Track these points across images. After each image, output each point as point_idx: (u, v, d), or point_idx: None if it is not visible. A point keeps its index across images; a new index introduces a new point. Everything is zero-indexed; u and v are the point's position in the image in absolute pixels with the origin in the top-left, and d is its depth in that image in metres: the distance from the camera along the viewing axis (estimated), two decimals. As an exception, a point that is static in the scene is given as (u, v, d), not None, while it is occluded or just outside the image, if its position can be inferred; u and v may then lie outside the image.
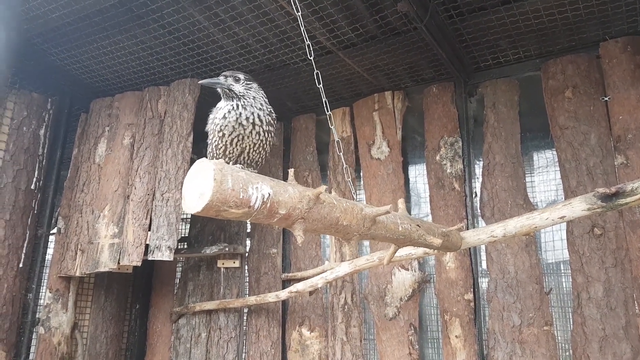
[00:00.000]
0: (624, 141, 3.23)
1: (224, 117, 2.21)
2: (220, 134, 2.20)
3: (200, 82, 2.35)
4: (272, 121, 2.33)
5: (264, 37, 3.51)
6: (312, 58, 2.28)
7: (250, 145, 2.24)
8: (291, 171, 1.66)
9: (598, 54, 3.46)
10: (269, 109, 2.33)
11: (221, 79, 2.30)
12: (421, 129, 4.06)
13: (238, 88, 2.27)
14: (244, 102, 2.24)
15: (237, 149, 2.22)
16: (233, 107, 2.22)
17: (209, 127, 2.30)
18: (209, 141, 2.31)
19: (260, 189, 1.38)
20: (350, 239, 1.76)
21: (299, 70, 3.94)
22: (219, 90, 2.30)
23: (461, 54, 3.62)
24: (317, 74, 2.34)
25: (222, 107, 2.25)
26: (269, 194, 1.41)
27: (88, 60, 3.92)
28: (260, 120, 2.24)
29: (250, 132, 2.21)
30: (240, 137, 2.20)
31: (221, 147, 2.22)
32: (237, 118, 2.20)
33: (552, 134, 3.53)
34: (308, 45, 2.28)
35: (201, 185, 1.28)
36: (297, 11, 2.27)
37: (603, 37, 3.43)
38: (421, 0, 2.92)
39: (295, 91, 4.32)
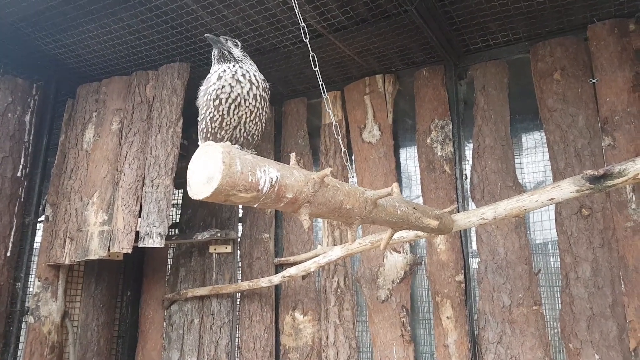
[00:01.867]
0: (611, 123, 3.28)
1: (219, 78, 2.10)
2: (217, 102, 2.08)
3: (205, 35, 2.25)
4: (267, 89, 2.24)
5: (253, 20, 3.47)
6: (307, 41, 2.25)
7: (247, 114, 2.13)
8: (293, 155, 1.63)
9: (586, 37, 3.49)
10: (263, 77, 2.26)
11: (221, 39, 2.22)
12: (412, 112, 4.07)
13: (237, 52, 2.21)
14: (241, 64, 2.16)
15: (234, 119, 2.11)
16: (229, 67, 2.13)
17: (201, 99, 2.18)
18: (200, 118, 2.19)
19: (267, 172, 1.35)
20: (352, 224, 1.74)
21: (290, 53, 3.91)
22: (215, 52, 2.21)
23: (451, 37, 3.62)
24: (312, 56, 2.31)
25: (217, 70, 2.15)
26: (277, 177, 1.37)
27: (74, 44, 3.84)
28: (257, 80, 2.15)
29: (248, 92, 2.10)
30: (238, 100, 2.09)
31: (217, 119, 2.10)
32: (233, 75, 2.09)
33: (541, 116, 3.56)
34: (303, 28, 2.25)
35: (209, 170, 1.24)
36: (291, -8, 2.24)
37: (591, 20, 3.46)
38: (412, -18, 2.91)
39: (286, 75, 4.29)
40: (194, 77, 3.86)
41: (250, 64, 2.24)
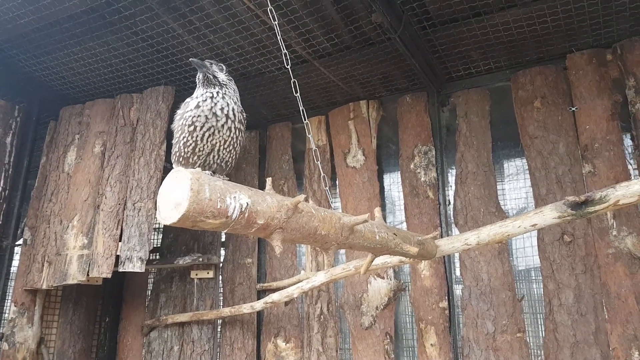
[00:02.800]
0: (591, 150, 3.33)
1: (197, 106, 2.09)
2: (191, 128, 2.07)
3: (190, 59, 2.25)
4: (243, 120, 2.25)
5: (239, 45, 3.50)
6: (289, 67, 2.26)
7: (220, 142, 2.12)
8: (269, 180, 1.63)
9: (565, 66, 3.57)
10: (241, 108, 2.27)
11: (206, 63, 2.22)
12: (395, 138, 4.10)
13: (222, 76, 2.20)
14: (225, 90, 2.16)
15: (207, 146, 2.10)
16: (211, 96, 2.12)
17: (176, 123, 2.16)
18: (174, 141, 2.17)
19: (238, 199, 1.35)
20: (328, 249, 1.74)
21: (275, 78, 3.94)
22: (200, 76, 2.20)
23: (434, 65, 3.68)
24: (294, 82, 2.32)
25: (197, 97, 2.15)
26: (247, 204, 1.37)
27: (58, 67, 3.83)
28: (234, 115, 2.15)
29: (222, 125, 2.10)
30: (212, 130, 2.08)
31: (190, 144, 2.09)
32: (211, 107, 2.08)
33: (522, 143, 3.61)
34: (285, 54, 2.27)
35: (177, 196, 1.24)
36: (274, 20, 2.27)
37: (570, 50, 3.54)
38: (395, 11, 2.96)
39: (271, 99, 4.31)
40: (179, 100, 3.83)
41: (234, 90, 2.24)
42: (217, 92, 2.15)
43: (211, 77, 2.19)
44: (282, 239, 1.51)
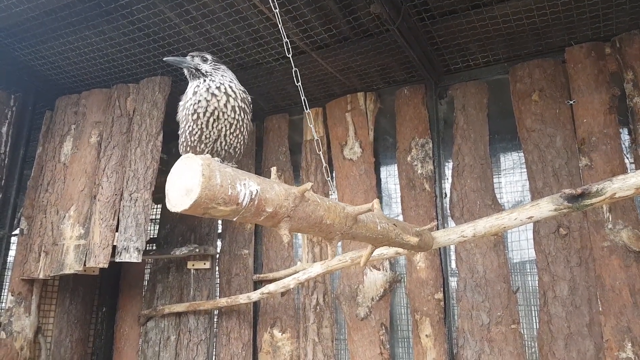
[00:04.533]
0: (588, 144, 3.33)
1: (195, 93, 2.09)
2: (195, 116, 2.05)
3: (165, 58, 2.25)
4: (247, 100, 2.22)
5: (236, 35, 3.48)
6: (290, 56, 2.25)
7: (226, 127, 2.10)
8: (274, 169, 1.62)
9: (564, 59, 3.56)
10: (242, 88, 2.24)
11: (187, 58, 2.21)
12: (393, 130, 4.10)
13: (205, 67, 2.18)
14: (211, 78, 2.14)
15: (213, 132, 2.08)
16: (201, 81, 2.12)
17: (180, 114, 2.16)
18: (180, 132, 2.17)
19: (248, 186, 1.33)
20: (332, 239, 1.73)
21: (272, 69, 3.92)
22: (185, 72, 2.19)
23: (432, 57, 3.67)
24: (295, 71, 2.31)
25: (192, 85, 2.15)
26: (257, 191, 1.35)
27: (54, 56, 3.80)
28: (234, 92, 2.13)
29: (225, 104, 2.08)
30: (216, 113, 2.06)
31: (196, 132, 2.07)
32: (207, 89, 2.08)
33: (520, 136, 3.61)
34: (286, 43, 2.25)
35: (188, 182, 1.22)
36: (275, 8, 2.25)
37: (568, 43, 3.53)
38: (393, 2, 2.95)
39: (268, 91, 4.29)
40: (175, 91, 3.85)
41: (222, 76, 2.21)
42: (204, 81, 2.13)
43: (194, 70, 2.18)
44: (289, 228, 1.49)
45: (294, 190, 1.52)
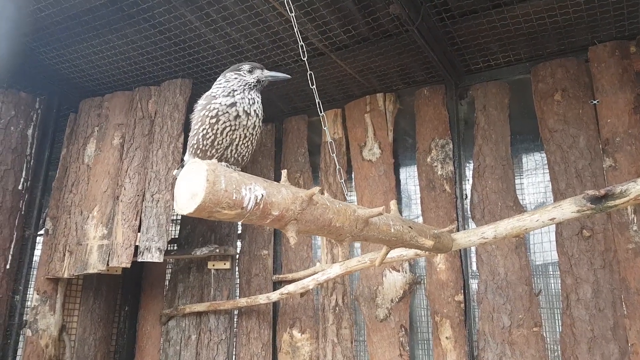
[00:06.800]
0: (612, 144, 3.27)
1: (232, 105, 2.01)
2: (214, 120, 1.99)
3: (268, 74, 2.17)
4: (262, 115, 2.17)
5: (255, 37, 3.50)
6: (305, 59, 2.25)
7: (240, 137, 2.05)
8: (284, 172, 1.64)
9: (587, 58, 3.50)
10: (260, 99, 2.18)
11: (257, 71, 2.15)
12: (412, 131, 4.08)
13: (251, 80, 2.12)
14: (259, 94, 2.09)
15: (226, 140, 2.03)
16: (253, 99, 2.05)
17: (197, 113, 2.07)
18: (192, 133, 2.08)
19: (253, 190, 1.37)
20: (342, 241, 1.75)
21: (291, 71, 3.93)
22: (253, 81, 2.10)
23: (452, 57, 3.64)
24: (310, 75, 2.32)
25: (235, 95, 2.05)
26: (262, 195, 1.39)
27: (77, 59, 3.88)
28: (261, 113, 2.09)
29: (246, 123, 2.03)
30: (235, 126, 2.02)
31: (210, 137, 2.02)
32: (245, 108, 2.02)
33: (542, 137, 3.56)
34: (302, 46, 2.26)
35: (193, 186, 1.26)
36: (291, 12, 2.26)
37: (592, 42, 3.47)
38: (413, 2, 2.93)
39: (287, 92, 4.31)
40: (196, 93, 3.88)
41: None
42: (258, 96, 2.08)
43: (257, 84, 2.11)
44: (296, 230, 1.52)
45: (302, 193, 1.54)
